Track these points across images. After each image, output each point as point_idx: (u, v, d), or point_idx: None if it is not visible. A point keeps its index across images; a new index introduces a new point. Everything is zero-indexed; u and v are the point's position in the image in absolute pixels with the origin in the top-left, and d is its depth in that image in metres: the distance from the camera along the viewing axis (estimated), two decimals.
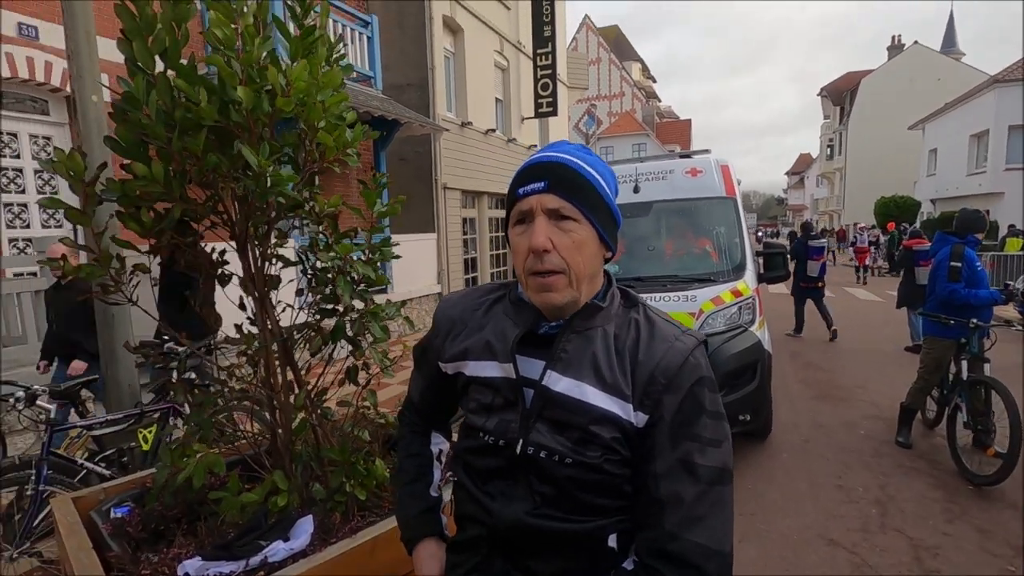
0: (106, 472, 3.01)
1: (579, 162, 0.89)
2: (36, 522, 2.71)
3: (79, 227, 6.21)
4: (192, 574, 1.34)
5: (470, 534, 0.99)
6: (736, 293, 4.39)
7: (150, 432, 3.26)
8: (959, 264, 4.12)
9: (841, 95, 38.64)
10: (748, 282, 4.49)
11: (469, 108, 11.74)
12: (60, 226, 6.20)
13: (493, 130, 12.79)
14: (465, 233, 12.17)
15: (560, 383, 0.88)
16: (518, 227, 0.89)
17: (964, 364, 4.06)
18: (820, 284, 8.74)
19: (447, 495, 1.18)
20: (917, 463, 4.24)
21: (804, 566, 3.00)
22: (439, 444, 1.20)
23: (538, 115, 14.05)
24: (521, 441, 0.89)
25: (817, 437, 4.81)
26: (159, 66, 1.45)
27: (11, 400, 2.87)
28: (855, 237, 18.91)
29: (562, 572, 0.90)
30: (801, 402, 5.78)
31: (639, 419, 0.86)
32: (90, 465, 2.98)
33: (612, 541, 0.89)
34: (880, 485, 3.89)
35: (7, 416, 4.22)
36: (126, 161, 1.44)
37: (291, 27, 1.50)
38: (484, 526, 0.94)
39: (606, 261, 0.94)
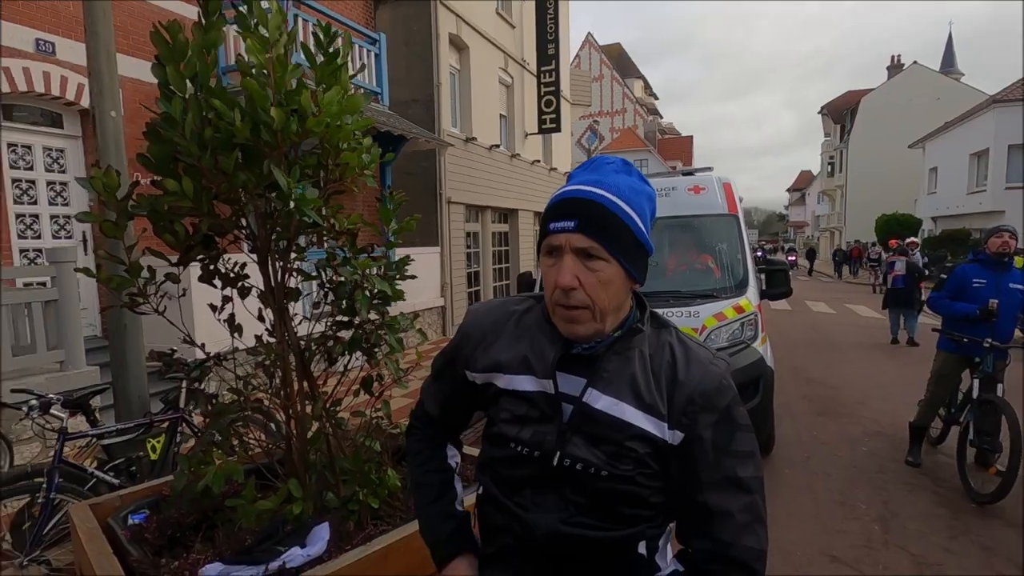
0: (115, 481, 3.04)
1: (612, 198, 0.89)
2: (46, 530, 2.74)
3: (87, 240, 6.30)
4: None
5: (499, 545, 1.00)
6: (739, 309, 4.44)
7: (158, 442, 3.29)
8: (944, 276, 4.53)
9: (841, 113, 38.97)
10: (750, 298, 4.53)
11: (474, 124, 11.88)
12: (71, 237, 6.28)
13: (497, 145, 12.93)
14: (468, 247, 12.25)
15: (600, 401, 0.92)
16: (548, 258, 0.92)
17: (976, 383, 4.10)
18: None
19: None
20: (920, 480, 4.25)
21: None
22: (455, 457, 1.19)
23: (541, 131, 14.24)
24: (558, 453, 0.92)
25: (819, 453, 4.82)
26: (189, 88, 1.53)
27: (25, 408, 2.91)
28: (886, 262, 12.77)
29: None
30: (803, 418, 5.79)
31: (674, 437, 0.91)
32: (99, 474, 3.01)
33: (642, 548, 0.93)
34: (883, 501, 3.90)
35: (15, 425, 4.26)
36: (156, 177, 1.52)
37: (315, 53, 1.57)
38: (515, 536, 0.96)
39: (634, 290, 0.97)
